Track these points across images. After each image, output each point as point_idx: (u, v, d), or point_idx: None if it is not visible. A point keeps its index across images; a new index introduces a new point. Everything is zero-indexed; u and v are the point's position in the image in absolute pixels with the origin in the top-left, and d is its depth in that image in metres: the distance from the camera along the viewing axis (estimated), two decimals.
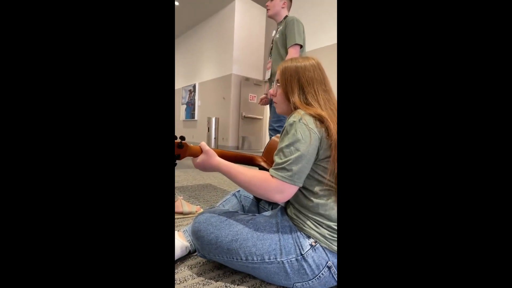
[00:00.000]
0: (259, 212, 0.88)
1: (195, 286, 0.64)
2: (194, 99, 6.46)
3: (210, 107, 5.90)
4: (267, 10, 1.68)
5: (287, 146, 0.58)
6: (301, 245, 0.60)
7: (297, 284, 0.62)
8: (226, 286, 0.65)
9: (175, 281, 0.66)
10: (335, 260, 0.60)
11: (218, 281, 0.67)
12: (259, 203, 0.89)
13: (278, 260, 0.60)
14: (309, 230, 0.61)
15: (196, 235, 0.69)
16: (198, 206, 1.24)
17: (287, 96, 0.67)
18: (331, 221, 0.60)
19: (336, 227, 0.60)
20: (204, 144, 0.69)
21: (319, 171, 0.60)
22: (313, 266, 0.59)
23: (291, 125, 0.59)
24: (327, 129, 0.58)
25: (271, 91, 0.75)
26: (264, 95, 1.86)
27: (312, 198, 0.61)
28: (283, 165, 0.58)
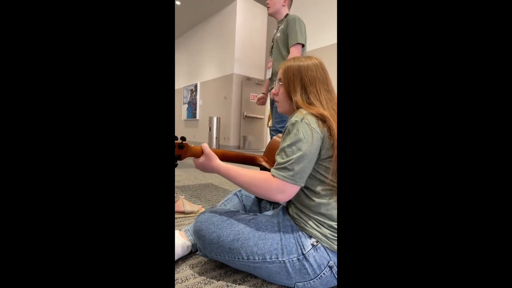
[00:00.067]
0: (260, 212, 0.88)
1: (196, 285, 0.65)
2: (196, 98, 6.47)
3: (211, 107, 5.91)
4: (268, 8, 1.66)
5: (289, 145, 0.58)
6: (302, 245, 0.60)
7: (298, 284, 0.62)
8: (227, 286, 0.65)
9: (177, 280, 0.66)
10: (337, 260, 0.60)
11: (219, 280, 0.67)
12: (261, 203, 0.89)
13: (280, 259, 0.60)
14: (310, 230, 0.61)
15: (198, 234, 0.69)
16: (200, 206, 1.24)
17: (289, 96, 0.67)
18: (333, 220, 0.60)
19: None
20: (205, 146, 0.69)
21: (321, 171, 0.60)
22: (315, 266, 0.59)
23: (293, 124, 0.59)
24: (329, 129, 0.58)
25: (273, 90, 0.75)
26: (261, 95, 1.85)
27: (314, 198, 0.61)
28: (284, 165, 0.58)
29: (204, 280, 0.67)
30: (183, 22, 6.34)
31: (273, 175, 0.59)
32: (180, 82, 7.33)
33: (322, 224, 0.61)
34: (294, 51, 1.50)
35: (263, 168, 0.79)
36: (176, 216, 1.15)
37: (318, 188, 0.61)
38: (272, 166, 0.63)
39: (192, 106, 6.65)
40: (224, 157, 0.74)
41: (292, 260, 0.60)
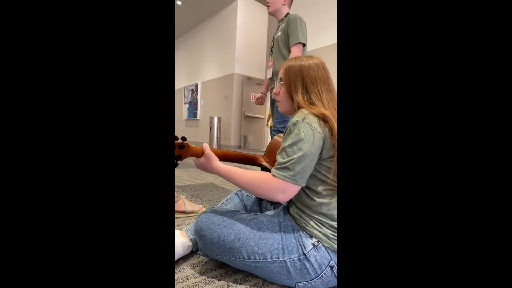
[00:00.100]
0: (261, 211, 0.88)
1: (197, 285, 0.65)
2: (197, 98, 6.47)
3: (212, 107, 5.91)
4: (268, 6, 1.66)
5: (290, 145, 0.58)
6: (303, 245, 0.60)
7: (299, 284, 0.61)
8: (228, 285, 0.65)
9: (178, 280, 0.66)
10: (337, 260, 0.60)
11: (220, 280, 0.67)
12: (262, 203, 0.89)
13: (281, 259, 0.60)
14: (311, 230, 0.61)
15: (199, 234, 0.69)
16: (201, 205, 1.24)
17: (290, 95, 0.67)
18: (334, 220, 0.60)
19: None
20: (206, 147, 0.68)
21: (323, 171, 0.60)
22: (316, 266, 0.59)
23: (294, 124, 0.59)
24: (331, 129, 0.58)
25: (274, 90, 0.75)
26: (260, 94, 1.84)
27: (315, 198, 0.61)
28: (285, 165, 0.58)
29: (205, 279, 0.67)
30: (184, 22, 6.34)
31: (273, 175, 0.59)
32: (181, 82, 7.33)
33: (323, 224, 0.60)
34: (296, 51, 1.49)
35: (263, 168, 0.79)
36: (177, 215, 1.15)
37: (320, 188, 0.61)
38: (273, 166, 0.63)
39: (193, 106, 6.66)
40: (225, 157, 0.74)
41: (293, 260, 0.60)
